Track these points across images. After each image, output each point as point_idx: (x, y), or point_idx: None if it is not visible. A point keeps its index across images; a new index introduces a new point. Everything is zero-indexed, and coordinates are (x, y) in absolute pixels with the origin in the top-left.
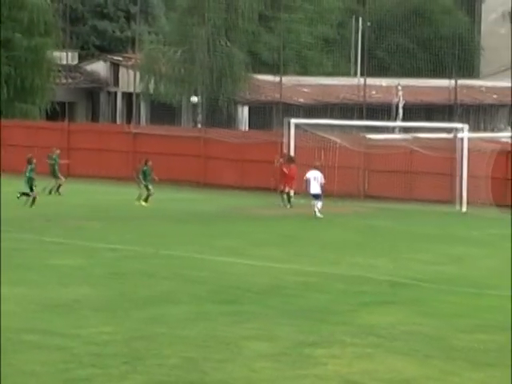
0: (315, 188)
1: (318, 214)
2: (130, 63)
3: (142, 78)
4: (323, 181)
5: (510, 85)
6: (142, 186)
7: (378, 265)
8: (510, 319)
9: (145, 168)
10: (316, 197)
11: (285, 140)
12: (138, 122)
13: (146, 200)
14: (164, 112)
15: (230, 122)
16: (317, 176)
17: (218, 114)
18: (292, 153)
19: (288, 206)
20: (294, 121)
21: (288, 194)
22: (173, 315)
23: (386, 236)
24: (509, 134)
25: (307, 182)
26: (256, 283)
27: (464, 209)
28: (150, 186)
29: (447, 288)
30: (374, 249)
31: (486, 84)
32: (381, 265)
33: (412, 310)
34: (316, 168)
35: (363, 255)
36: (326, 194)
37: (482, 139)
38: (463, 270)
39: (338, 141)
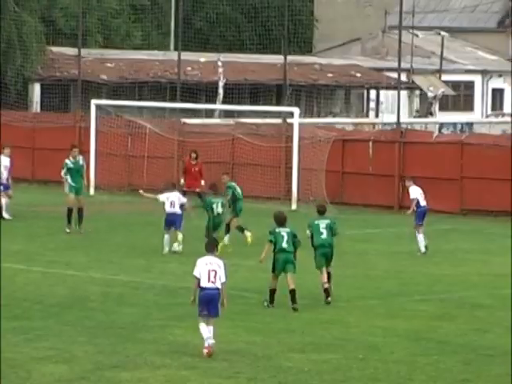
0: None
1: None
2: None
3: None
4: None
5: (348, 62)
6: None
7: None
8: (345, 335)
9: None
10: None
11: (84, 124)
12: None
13: None
14: None
15: (19, 102)
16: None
17: (5, 93)
18: (93, 139)
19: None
20: (95, 102)
21: None
22: None
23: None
24: (345, 119)
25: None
26: (49, 294)
27: (294, 206)
28: None
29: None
30: (190, 253)
31: (320, 61)
32: None
33: (235, 324)
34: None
35: (178, 261)
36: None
37: (315, 125)
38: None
39: (148, 126)
